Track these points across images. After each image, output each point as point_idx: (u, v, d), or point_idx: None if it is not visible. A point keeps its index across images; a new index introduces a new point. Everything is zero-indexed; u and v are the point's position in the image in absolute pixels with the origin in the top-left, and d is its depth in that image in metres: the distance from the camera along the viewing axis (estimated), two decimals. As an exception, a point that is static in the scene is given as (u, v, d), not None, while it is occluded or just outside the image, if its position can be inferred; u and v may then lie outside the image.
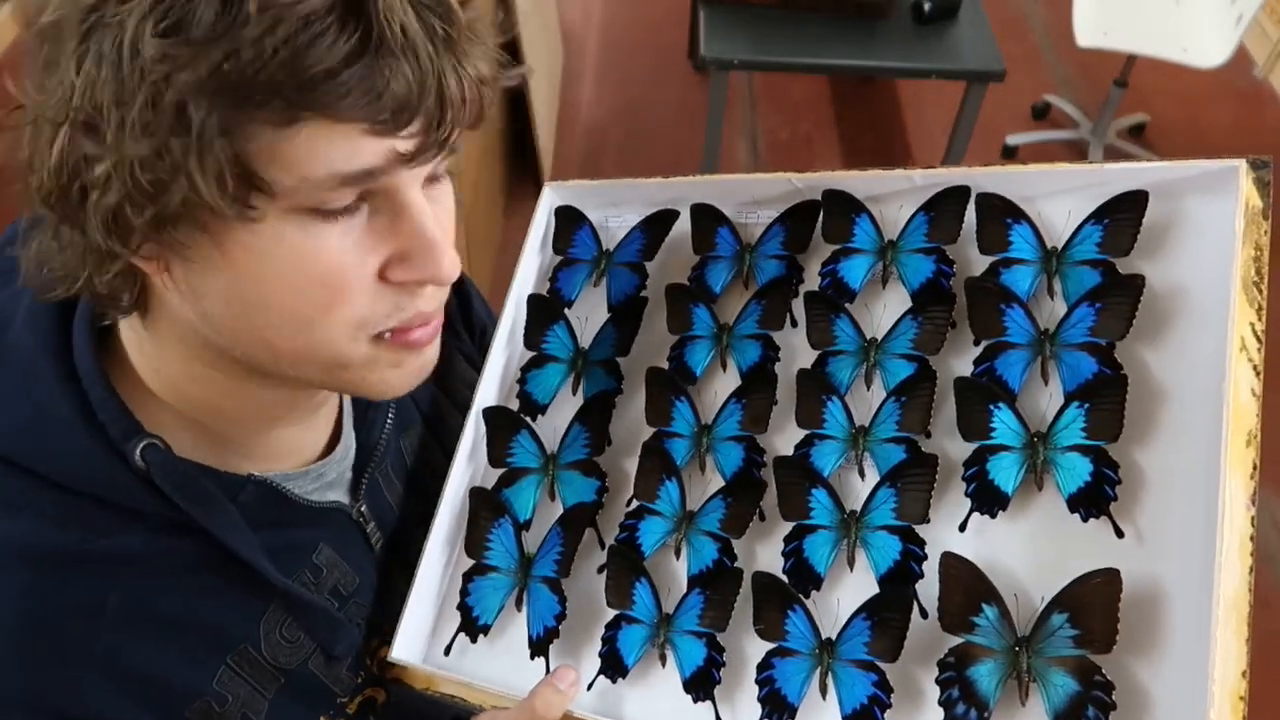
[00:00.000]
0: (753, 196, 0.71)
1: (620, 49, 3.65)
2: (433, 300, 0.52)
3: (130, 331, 0.56)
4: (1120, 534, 0.52)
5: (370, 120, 0.42)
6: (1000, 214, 0.61)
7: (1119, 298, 0.55)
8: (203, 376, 0.55)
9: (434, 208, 0.50)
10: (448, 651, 0.67)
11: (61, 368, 0.54)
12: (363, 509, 0.66)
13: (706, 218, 0.71)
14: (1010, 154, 3.15)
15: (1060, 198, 0.61)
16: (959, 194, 0.63)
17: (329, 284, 0.47)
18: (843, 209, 0.66)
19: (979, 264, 0.62)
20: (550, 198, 0.77)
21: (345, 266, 0.47)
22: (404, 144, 0.44)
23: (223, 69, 0.39)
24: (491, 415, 0.70)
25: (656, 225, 0.72)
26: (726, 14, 2.36)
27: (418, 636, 0.67)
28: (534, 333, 0.73)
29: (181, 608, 0.55)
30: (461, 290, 0.81)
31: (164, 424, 0.55)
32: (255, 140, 0.41)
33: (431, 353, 0.55)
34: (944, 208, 0.63)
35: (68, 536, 0.52)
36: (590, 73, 3.52)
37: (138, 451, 0.52)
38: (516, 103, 2.62)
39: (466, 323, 0.82)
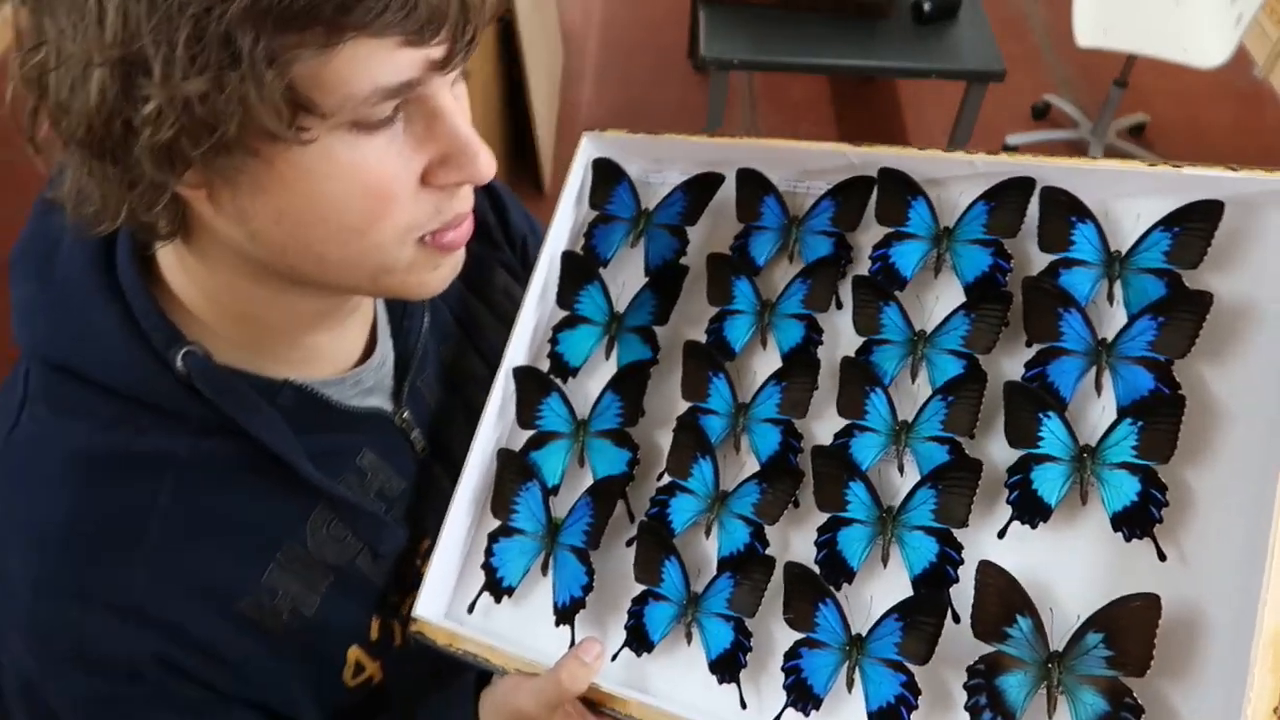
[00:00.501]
0: (803, 166, 0.68)
1: (620, 49, 3.60)
2: (469, 200, 0.55)
3: (168, 254, 0.58)
4: (1163, 557, 0.52)
5: (406, 33, 0.44)
6: (1065, 211, 0.59)
7: (1184, 314, 0.54)
8: (242, 290, 0.57)
9: (461, 110, 0.52)
10: (471, 609, 0.67)
11: (107, 281, 0.56)
12: (405, 415, 0.69)
13: (752, 184, 0.68)
14: (1010, 154, 3.09)
15: (1130, 199, 0.59)
16: (1023, 185, 0.60)
17: (378, 194, 0.49)
18: (899, 189, 0.64)
19: (1037, 261, 0.60)
20: (588, 149, 0.74)
21: (391, 176, 0.49)
22: (436, 51, 0.46)
23: None
24: (522, 375, 0.69)
25: (700, 188, 0.70)
26: (726, 14, 2.33)
27: (441, 593, 0.67)
28: (567, 292, 0.71)
29: (229, 506, 0.58)
30: (499, 202, 0.82)
31: (202, 334, 0.58)
32: (301, 64, 0.42)
33: (459, 259, 0.58)
34: (1006, 198, 0.61)
35: (118, 436, 0.55)
36: (590, 73, 3.47)
37: (179, 357, 0.55)
38: (516, 103, 2.58)
39: (506, 234, 0.83)
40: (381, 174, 0.49)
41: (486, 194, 0.80)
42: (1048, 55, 3.60)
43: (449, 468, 0.69)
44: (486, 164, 0.51)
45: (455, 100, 0.51)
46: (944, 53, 2.30)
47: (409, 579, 0.68)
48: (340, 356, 0.66)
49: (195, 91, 0.41)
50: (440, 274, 0.57)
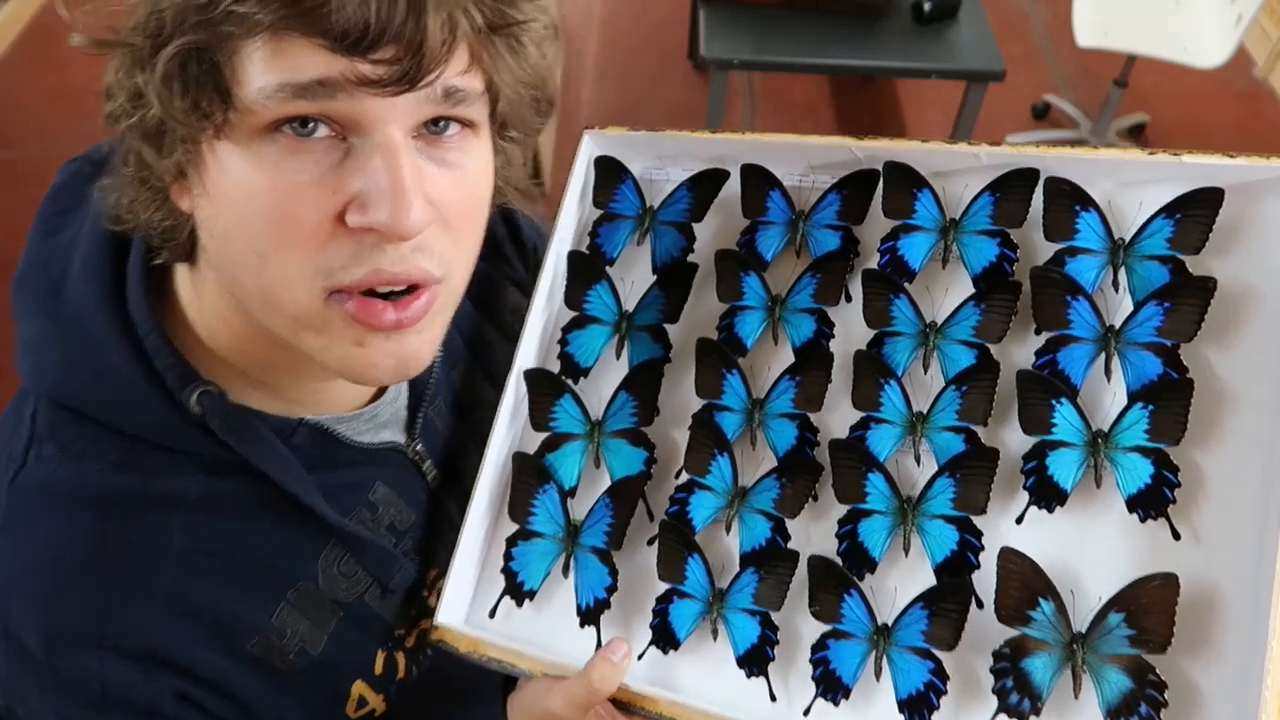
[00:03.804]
0: (807, 161, 0.68)
1: (620, 49, 3.58)
2: (399, 262, 0.49)
3: (183, 280, 0.57)
4: (1177, 536, 0.54)
5: (325, 36, 0.43)
6: (1068, 200, 0.60)
7: (1188, 299, 0.55)
8: (240, 325, 0.56)
9: (436, 169, 0.50)
10: (493, 614, 0.67)
11: (118, 317, 0.55)
12: (418, 447, 0.68)
13: (757, 180, 0.69)
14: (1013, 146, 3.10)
15: (1131, 188, 0.60)
16: (1027, 176, 0.61)
17: (285, 214, 0.47)
18: (904, 182, 0.64)
19: (1043, 250, 0.61)
20: (590, 147, 0.74)
21: (301, 199, 0.47)
22: (370, 68, 0.44)
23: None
24: (533, 377, 0.69)
25: (705, 184, 0.70)
26: (726, 14, 2.33)
27: (462, 600, 0.68)
28: (575, 292, 0.71)
29: (241, 546, 0.58)
30: (507, 213, 0.80)
31: (218, 371, 0.57)
32: (219, 54, 0.44)
33: (411, 346, 0.53)
34: (1011, 189, 0.62)
35: (130, 479, 0.55)
36: (590, 73, 3.45)
37: (194, 397, 0.54)
38: None
39: (518, 247, 0.81)
40: (289, 193, 0.47)
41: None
42: (1048, 55, 3.61)
43: (460, 497, 0.69)
44: (408, 219, 0.46)
45: (433, 157, 0.50)
46: (944, 53, 2.31)
47: (416, 612, 0.68)
48: (356, 393, 0.65)
49: (132, 75, 0.46)
50: (367, 354, 0.52)
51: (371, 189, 0.47)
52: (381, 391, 0.66)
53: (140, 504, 0.54)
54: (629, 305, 0.70)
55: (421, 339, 0.53)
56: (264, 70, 0.44)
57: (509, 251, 0.80)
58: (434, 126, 0.50)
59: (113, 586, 0.53)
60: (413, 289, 0.51)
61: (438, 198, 0.50)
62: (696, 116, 2.94)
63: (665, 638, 0.62)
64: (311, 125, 0.46)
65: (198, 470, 0.56)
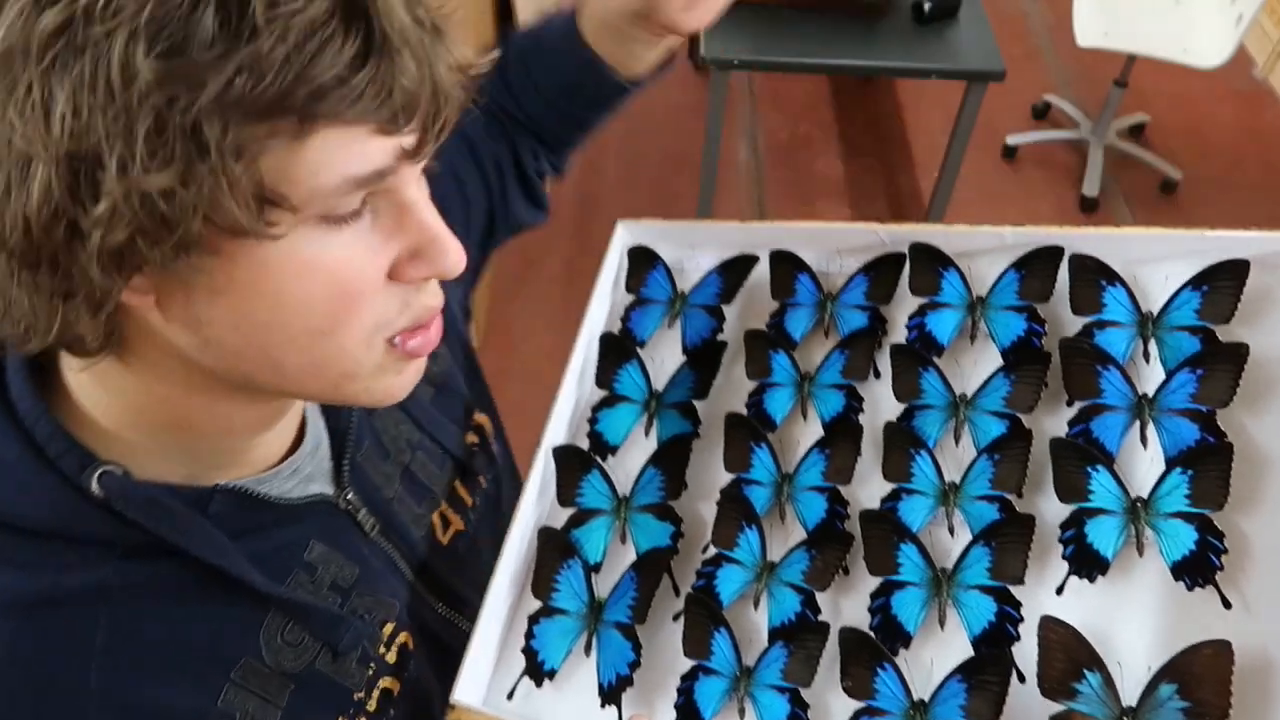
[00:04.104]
0: (834, 246, 0.70)
1: None
2: (436, 294, 0.53)
3: (77, 372, 0.53)
4: (1228, 605, 0.51)
5: (380, 120, 0.42)
6: (1094, 275, 0.61)
7: (1222, 365, 0.55)
8: (178, 401, 0.53)
9: (429, 203, 0.51)
10: (511, 695, 0.65)
11: (2, 411, 0.52)
12: (349, 496, 0.64)
13: (786, 264, 0.70)
14: (1010, 153, 3.17)
15: (1155, 263, 0.61)
16: (1051, 253, 0.63)
17: (345, 292, 0.47)
18: (931, 261, 0.66)
19: (1070, 324, 0.62)
20: (624, 237, 0.76)
21: (359, 272, 0.47)
22: (408, 139, 0.45)
23: (233, 85, 0.38)
24: (561, 454, 0.69)
25: (734, 269, 0.72)
26: (726, 14, 2.38)
27: (480, 678, 0.65)
28: (606, 372, 0.72)
29: (174, 632, 0.54)
30: None
31: (119, 448, 0.54)
32: (270, 154, 0.40)
33: (424, 361, 0.56)
34: (1036, 266, 0.63)
35: (41, 580, 0.50)
36: None
37: (94, 481, 0.51)
38: None
39: None
40: (349, 270, 0.46)
41: None
42: (1048, 55, 3.63)
43: (400, 543, 0.67)
44: (457, 257, 0.49)
45: (421, 191, 0.50)
46: (944, 53, 2.32)
47: (375, 672, 0.64)
48: (272, 448, 0.61)
49: (158, 187, 0.38)
50: (405, 379, 0.54)
51: (420, 244, 0.49)
52: (299, 443, 0.63)
53: (56, 604, 0.50)
54: (658, 385, 0.70)
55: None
56: (320, 167, 0.42)
57: None
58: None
59: (37, 697, 0.49)
60: None
61: None
62: (696, 116, 2.89)
63: (690, 716, 0.59)
64: (364, 211, 0.47)
65: (114, 558, 0.52)
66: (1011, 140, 3.18)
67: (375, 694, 0.63)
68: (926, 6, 2.36)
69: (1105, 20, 2.81)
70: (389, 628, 0.65)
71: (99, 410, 0.54)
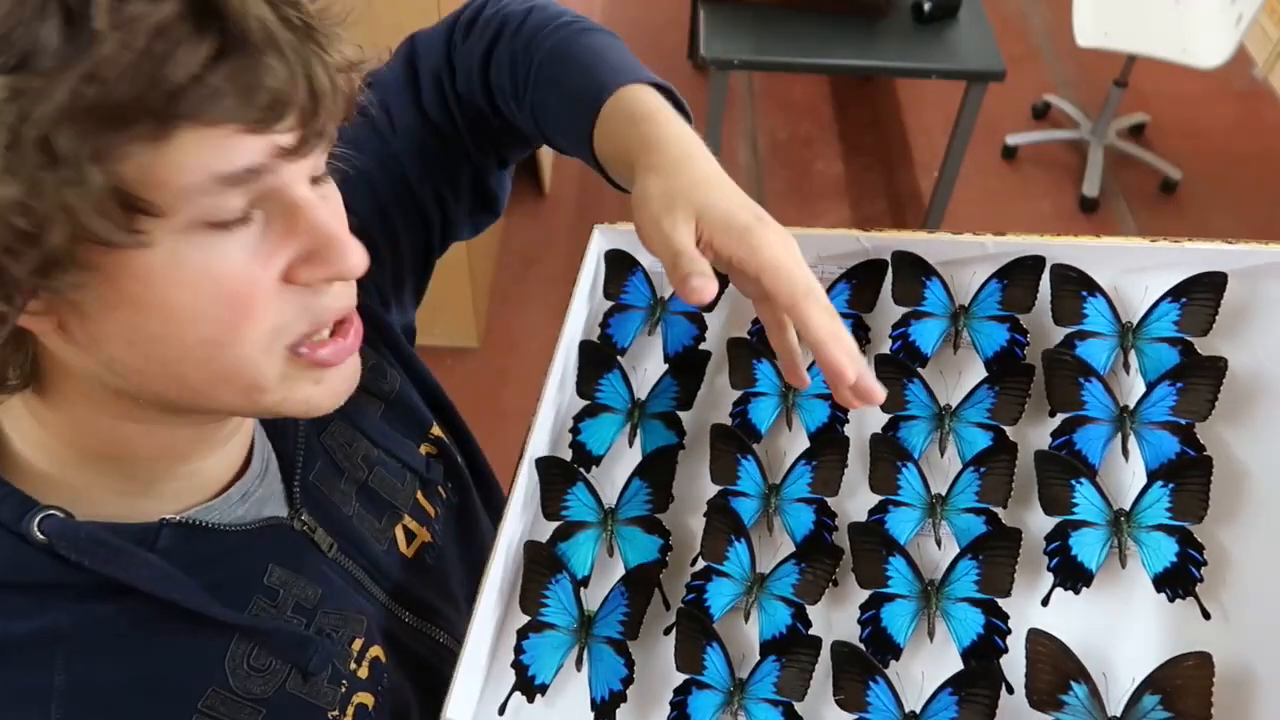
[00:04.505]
0: (816, 252, 0.70)
1: None
2: (341, 297, 0.52)
3: (11, 409, 0.52)
4: (1208, 615, 0.53)
5: (244, 120, 0.42)
6: (1075, 286, 0.62)
7: (1200, 379, 0.56)
8: (108, 429, 0.53)
9: (326, 205, 0.50)
10: (502, 710, 0.65)
11: None
12: (303, 517, 0.64)
13: (767, 270, 0.70)
14: (1010, 153, 3.20)
15: (1135, 274, 0.62)
16: (1034, 263, 0.63)
17: (235, 299, 0.46)
18: (913, 271, 0.66)
19: (1052, 334, 0.62)
20: (600, 242, 0.75)
21: (248, 278, 0.46)
22: (283, 138, 0.44)
23: (83, 94, 0.38)
24: (544, 465, 0.69)
25: (716, 274, 0.71)
26: (726, 14, 2.37)
27: (470, 695, 0.65)
28: (587, 381, 0.71)
29: (135, 670, 0.53)
30: None
31: (59, 490, 0.53)
32: (130, 159, 0.40)
33: (352, 365, 0.55)
34: (1018, 276, 0.63)
35: None
36: None
37: (35, 526, 0.50)
38: None
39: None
40: (237, 276, 0.46)
41: None
42: (1048, 55, 3.66)
43: (364, 560, 0.66)
44: (356, 258, 0.49)
45: (322, 196, 0.50)
46: (944, 53, 2.34)
47: (348, 688, 0.63)
48: (219, 473, 0.61)
49: (8, 199, 0.38)
50: (327, 389, 0.53)
51: (316, 245, 0.48)
52: (246, 467, 0.62)
53: (8, 653, 0.50)
54: (641, 394, 0.70)
55: (355, 355, 0.55)
56: (184, 168, 0.41)
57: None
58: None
59: None
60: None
61: None
62: (697, 116, 2.97)
63: (684, 731, 0.60)
64: (249, 215, 0.46)
65: (65, 600, 0.51)
66: (1011, 140, 3.19)
67: (350, 710, 0.62)
68: (926, 6, 2.37)
69: (1105, 20, 2.82)
70: (358, 643, 0.64)
71: (37, 451, 0.53)
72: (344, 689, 0.63)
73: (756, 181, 3.14)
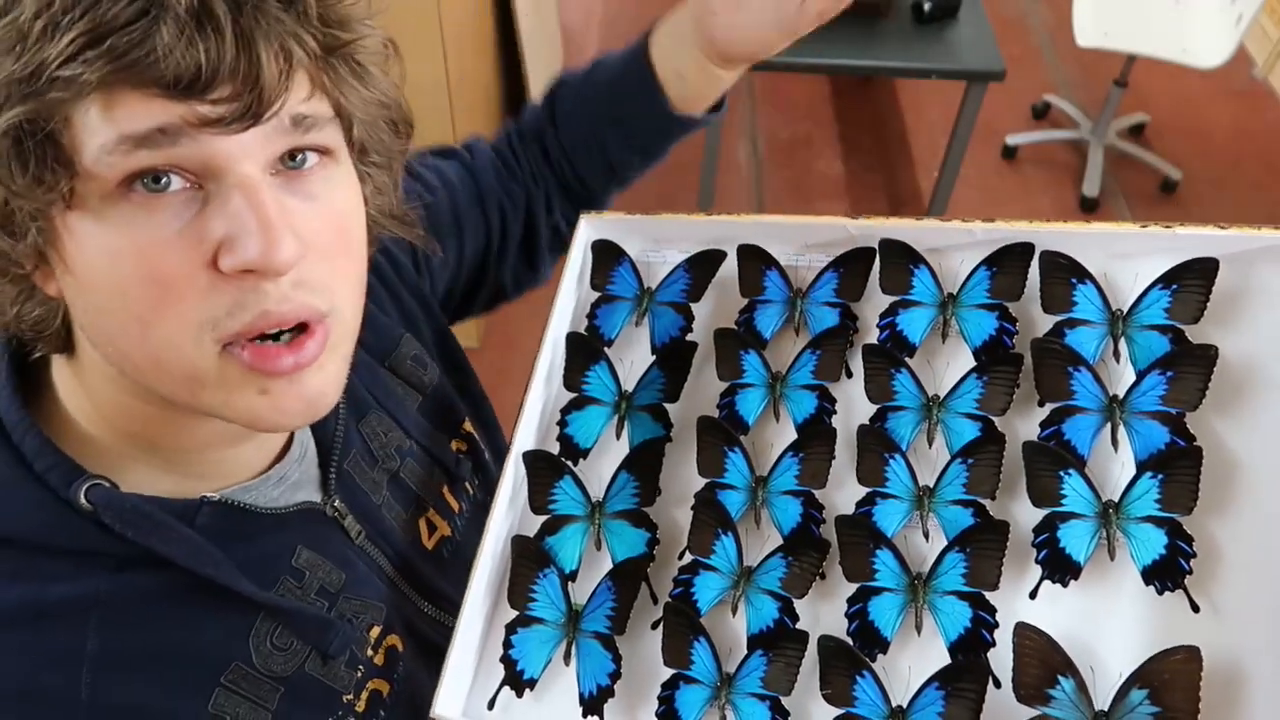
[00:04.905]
0: (803, 240, 0.69)
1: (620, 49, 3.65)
2: (283, 301, 0.48)
3: (61, 373, 0.55)
4: (1196, 609, 0.53)
5: (158, 85, 0.42)
6: (1065, 273, 0.61)
7: (1191, 367, 0.55)
8: (136, 406, 0.54)
9: (300, 203, 0.49)
10: (491, 705, 0.65)
11: None
12: (335, 504, 0.65)
13: (754, 259, 0.69)
14: (1010, 153, 3.19)
15: (1126, 260, 0.61)
16: (1023, 250, 0.62)
17: (155, 275, 0.45)
18: (900, 259, 0.65)
19: (1041, 322, 0.62)
20: (587, 231, 0.74)
21: (169, 255, 0.45)
22: (210, 109, 0.44)
23: (12, 66, 0.41)
24: (531, 459, 0.68)
25: (702, 265, 0.71)
26: None
27: (459, 689, 0.65)
28: (574, 373, 0.71)
29: (164, 640, 0.54)
30: (388, 252, 0.78)
31: (108, 461, 0.54)
32: (53, 122, 0.42)
33: (315, 385, 0.52)
34: (1006, 264, 0.62)
35: (26, 590, 0.51)
36: None
37: (82, 493, 0.51)
38: (516, 102, 2.59)
39: (402, 278, 0.79)
40: (159, 252, 0.45)
41: None
42: (1048, 55, 3.66)
43: (389, 550, 0.67)
44: (280, 252, 0.46)
45: (293, 190, 0.49)
46: (944, 53, 2.33)
47: (364, 674, 0.65)
48: (259, 457, 0.62)
49: None
50: (274, 401, 0.50)
51: (238, 229, 0.46)
52: (286, 450, 0.64)
53: (44, 616, 0.51)
54: (628, 386, 0.69)
55: (324, 376, 0.52)
56: (100, 128, 0.43)
57: (394, 281, 0.77)
58: (291, 161, 0.49)
59: (30, 706, 0.50)
60: (303, 328, 0.50)
61: (306, 231, 0.48)
62: None
63: (672, 726, 0.60)
64: (164, 180, 0.45)
65: (103, 569, 0.53)
66: (1011, 140, 3.18)
67: (364, 695, 0.64)
68: (926, 6, 2.36)
69: (1105, 20, 2.81)
70: (375, 631, 0.65)
71: (84, 418, 0.55)
72: (360, 674, 0.64)
73: (756, 181, 3.13)
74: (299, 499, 0.63)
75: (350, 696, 0.63)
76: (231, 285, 0.46)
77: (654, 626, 0.63)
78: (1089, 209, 3.02)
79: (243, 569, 0.57)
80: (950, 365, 0.63)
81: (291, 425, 0.54)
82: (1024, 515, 0.58)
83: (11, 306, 0.50)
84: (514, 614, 0.65)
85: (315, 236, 0.49)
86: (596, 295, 0.73)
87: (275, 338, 0.49)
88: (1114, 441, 0.57)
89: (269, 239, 0.45)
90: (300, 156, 0.50)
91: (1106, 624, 0.54)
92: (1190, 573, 0.53)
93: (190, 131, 0.44)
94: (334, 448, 0.66)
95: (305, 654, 0.60)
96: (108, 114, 0.43)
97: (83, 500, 0.51)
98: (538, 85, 2.62)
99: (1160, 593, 0.53)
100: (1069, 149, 3.25)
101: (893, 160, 3.22)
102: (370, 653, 0.65)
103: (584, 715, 0.62)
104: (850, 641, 0.58)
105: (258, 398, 0.50)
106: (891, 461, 0.61)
